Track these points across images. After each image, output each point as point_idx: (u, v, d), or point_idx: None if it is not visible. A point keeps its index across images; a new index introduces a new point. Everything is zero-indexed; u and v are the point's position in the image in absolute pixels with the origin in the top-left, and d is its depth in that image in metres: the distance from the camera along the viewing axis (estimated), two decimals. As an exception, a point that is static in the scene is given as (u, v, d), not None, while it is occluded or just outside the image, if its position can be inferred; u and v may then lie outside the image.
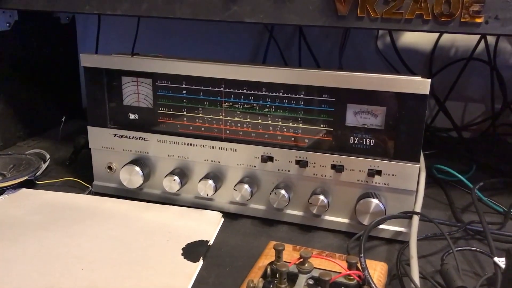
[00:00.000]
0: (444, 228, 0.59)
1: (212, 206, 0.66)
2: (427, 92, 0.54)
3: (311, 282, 0.45)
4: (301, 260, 0.45)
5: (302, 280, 0.44)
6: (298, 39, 1.00)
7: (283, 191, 0.61)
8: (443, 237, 0.57)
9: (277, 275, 0.44)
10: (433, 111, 0.97)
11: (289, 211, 0.63)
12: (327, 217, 0.62)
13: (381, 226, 0.60)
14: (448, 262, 0.52)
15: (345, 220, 0.61)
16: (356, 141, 0.59)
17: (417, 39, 0.96)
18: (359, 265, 0.47)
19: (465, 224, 0.60)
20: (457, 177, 0.71)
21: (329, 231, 0.62)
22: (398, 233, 0.59)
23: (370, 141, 0.58)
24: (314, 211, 0.60)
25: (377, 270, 0.50)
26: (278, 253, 0.47)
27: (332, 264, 0.48)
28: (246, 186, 0.62)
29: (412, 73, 0.93)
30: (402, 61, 0.93)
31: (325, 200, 0.60)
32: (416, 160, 0.57)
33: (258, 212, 0.64)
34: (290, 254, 0.51)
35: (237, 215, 0.65)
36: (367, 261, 0.52)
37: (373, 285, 0.46)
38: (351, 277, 0.47)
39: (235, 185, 0.62)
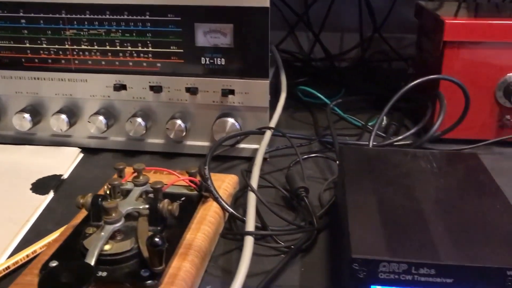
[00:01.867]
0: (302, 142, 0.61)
1: (71, 143, 0.63)
2: (268, 4, 0.54)
3: (151, 196, 0.45)
4: (136, 174, 0.44)
5: (135, 192, 0.43)
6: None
7: (139, 119, 0.59)
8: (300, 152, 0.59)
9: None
10: (311, 43, 0.99)
11: (150, 140, 0.62)
12: (188, 142, 0.61)
13: (242, 146, 0.61)
14: (294, 169, 0.54)
15: (206, 143, 0.61)
16: (207, 62, 0.58)
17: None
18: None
19: (318, 136, 0.62)
20: (323, 101, 0.74)
21: (191, 156, 0.62)
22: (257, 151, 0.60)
23: (221, 61, 0.58)
24: (172, 136, 0.60)
25: (225, 182, 0.51)
26: (120, 172, 0.46)
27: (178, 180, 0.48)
28: (100, 117, 0.60)
29: (288, 6, 0.94)
30: (276, -6, 0.93)
31: (182, 125, 0.59)
32: (264, 76, 0.57)
33: (119, 144, 0.63)
34: (137, 175, 0.50)
35: (98, 149, 0.63)
36: (217, 174, 0.53)
37: (213, 191, 0.46)
38: (192, 188, 0.47)
39: (89, 117, 0.60)
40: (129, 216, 0.42)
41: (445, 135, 0.63)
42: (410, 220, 0.37)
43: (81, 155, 0.62)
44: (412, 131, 0.61)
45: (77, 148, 0.62)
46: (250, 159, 0.61)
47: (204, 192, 0.46)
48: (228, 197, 0.49)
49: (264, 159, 0.61)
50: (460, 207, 0.39)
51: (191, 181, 0.45)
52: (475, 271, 0.32)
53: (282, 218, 0.46)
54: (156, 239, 0.35)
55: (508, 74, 0.62)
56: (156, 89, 0.59)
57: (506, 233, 0.35)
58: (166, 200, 0.41)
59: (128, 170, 0.46)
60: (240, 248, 0.45)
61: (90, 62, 0.59)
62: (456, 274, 0.32)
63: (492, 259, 0.33)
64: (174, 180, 0.44)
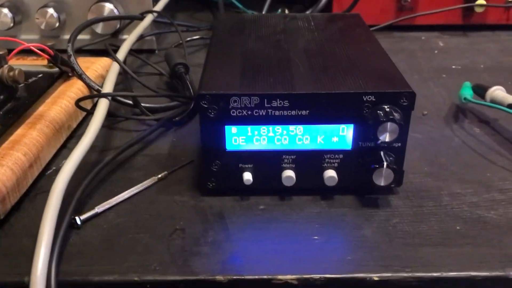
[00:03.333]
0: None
1: None
2: None
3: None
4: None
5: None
6: None
7: (5, 10, 0.53)
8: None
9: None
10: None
11: (23, 36, 0.56)
12: (66, 36, 0.55)
13: (125, 37, 0.56)
14: (176, 49, 0.50)
15: (85, 36, 0.56)
16: None
17: None
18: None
19: (207, 25, 0.58)
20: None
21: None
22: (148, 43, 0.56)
23: None
24: (43, 27, 0.54)
25: (95, 63, 0.47)
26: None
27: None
28: (-40, 10, 0.53)
29: None
30: None
31: (55, 14, 0.53)
32: (141, -48, 0.52)
33: (-12, 43, 0.56)
34: None
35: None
36: (88, 57, 0.48)
37: (74, 65, 0.42)
38: (53, 65, 0.42)
39: None
40: (-31, 90, 0.37)
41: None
42: (272, 64, 0.34)
43: None
44: (307, 12, 0.58)
45: None
46: (136, 52, 0.56)
47: (62, 66, 0.41)
48: (98, 77, 0.45)
49: (153, 51, 0.57)
50: (329, 53, 0.36)
51: (44, 51, 0.40)
52: (331, 99, 0.30)
53: (152, 89, 0.43)
54: (-21, 93, 0.30)
55: (403, -49, 0.59)
56: (20, -26, 0.52)
57: (370, 69, 0.33)
58: (7, 66, 0.36)
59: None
60: (108, 126, 0.42)
61: None
62: (312, 104, 0.30)
63: (349, 87, 0.31)
64: (20, 47, 0.39)
